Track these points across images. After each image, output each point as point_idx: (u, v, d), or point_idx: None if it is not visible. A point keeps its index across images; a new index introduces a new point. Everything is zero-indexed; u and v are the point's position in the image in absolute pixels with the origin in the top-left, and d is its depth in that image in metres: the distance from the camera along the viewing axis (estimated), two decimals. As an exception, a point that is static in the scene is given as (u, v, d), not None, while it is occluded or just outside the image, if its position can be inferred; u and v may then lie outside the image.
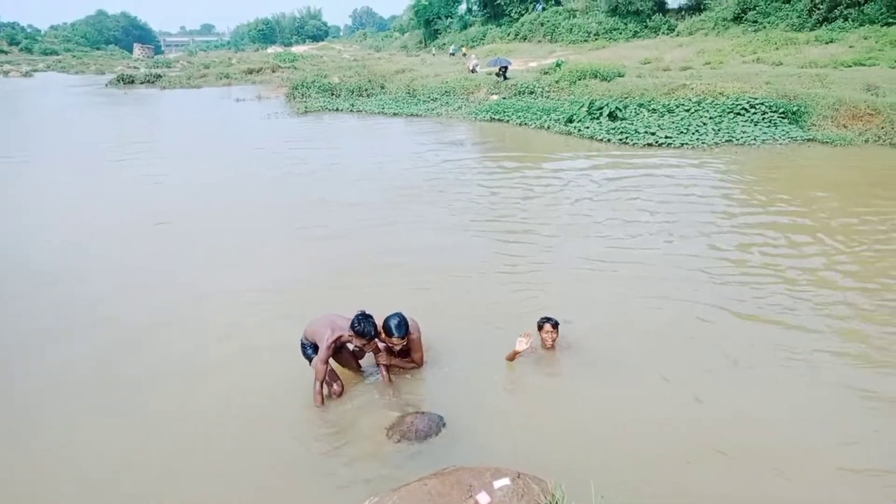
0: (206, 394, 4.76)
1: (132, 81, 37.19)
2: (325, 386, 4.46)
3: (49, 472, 3.97)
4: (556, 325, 4.99)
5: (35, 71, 55.08)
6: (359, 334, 4.25)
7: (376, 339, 4.42)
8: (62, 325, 5.92)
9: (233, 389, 4.78)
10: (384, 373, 4.67)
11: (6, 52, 77.34)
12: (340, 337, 4.35)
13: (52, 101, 29.20)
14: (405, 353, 4.81)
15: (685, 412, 4.34)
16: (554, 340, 5.00)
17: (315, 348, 4.44)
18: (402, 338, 4.47)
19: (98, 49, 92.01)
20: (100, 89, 35.45)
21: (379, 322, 4.45)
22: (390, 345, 4.55)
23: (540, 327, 5.02)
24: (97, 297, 6.54)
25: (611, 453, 3.93)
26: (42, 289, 6.79)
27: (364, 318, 4.25)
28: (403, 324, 4.47)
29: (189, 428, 4.35)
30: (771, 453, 3.89)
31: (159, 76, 38.70)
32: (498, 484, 3.19)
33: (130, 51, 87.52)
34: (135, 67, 51.15)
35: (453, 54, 42.80)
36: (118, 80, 37.42)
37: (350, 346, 4.71)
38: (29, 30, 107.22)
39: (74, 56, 75.53)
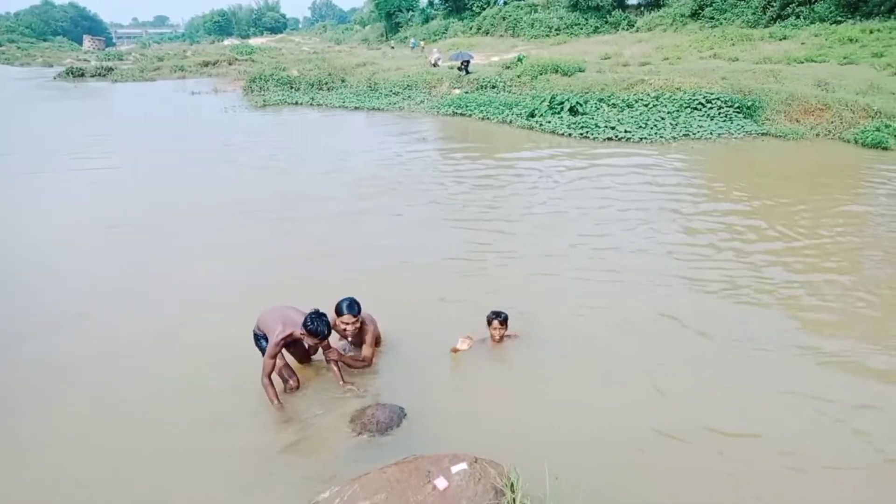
0: (162, 390, 4.65)
1: (82, 74, 35.90)
2: (281, 381, 4.39)
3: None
4: (504, 322, 5.00)
5: (-24, 63, 52.73)
6: (311, 333, 4.11)
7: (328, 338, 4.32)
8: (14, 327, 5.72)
9: (189, 386, 4.68)
10: (335, 370, 4.56)
11: (-56, 42, 73.85)
12: (292, 333, 4.21)
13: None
14: (357, 343, 4.74)
15: (639, 400, 4.40)
16: (502, 336, 5.03)
17: (267, 340, 4.30)
18: (355, 317, 4.47)
19: (45, 41, 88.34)
20: (48, 82, 34.18)
21: (332, 316, 4.44)
22: (342, 327, 4.50)
23: (489, 322, 5.04)
24: (49, 296, 6.36)
25: (565, 440, 3.98)
26: None
27: (318, 316, 4.12)
28: (355, 303, 4.50)
29: (145, 425, 4.25)
30: (727, 440, 3.97)
31: (111, 69, 37.42)
32: (455, 469, 3.26)
33: (80, 43, 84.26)
34: (85, 60, 49.30)
35: (413, 48, 42.65)
36: (67, 73, 36.07)
37: (309, 347, 4.59)
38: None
39: (19, 48, 72.40)
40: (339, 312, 4.48)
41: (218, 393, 4.55)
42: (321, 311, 4.19)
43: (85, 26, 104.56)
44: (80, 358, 5.14)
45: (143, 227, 8.48)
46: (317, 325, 4.09)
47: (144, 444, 4.05)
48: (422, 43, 44.15)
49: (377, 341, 4.81)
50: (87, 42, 78.84)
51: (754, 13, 28.98)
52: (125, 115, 21.49)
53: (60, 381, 4.81)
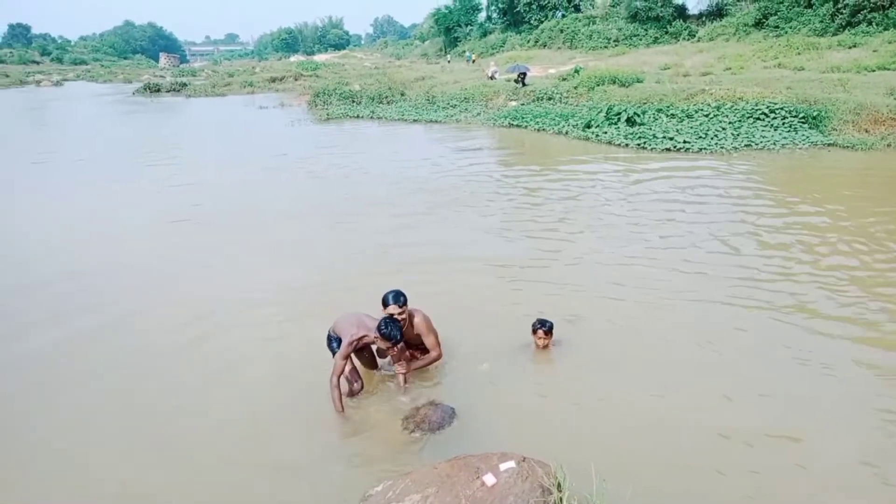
0: (224, 385, 4.94)
1: (158, 90, 38.09)
2: (346, 384, 4.55)
3: (63, 472, 4.16)
4: (549, 331, 5.09)
5: (65, 80, 56.64)
6: (384, 336, 4.31)
7: (401, 344, 4.50)
8: (78, 324, 6.14)
9: (251, 383, 4.96)
10: (400, 381, 4.67)
11: (38, 63, 79.70)
12: (365, 336, 4.43)
13: (83, 110, 29.98)
14: (416, 345, 4.88)
15: (691, 406, 4.42)
16: (546, 345, 5.12)
17: (340, 343, 4.51)
18: (401, 307, 4.53)
19: (125, 58, 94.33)
20: (127, 97, 36.36)
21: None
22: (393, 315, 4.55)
23: (534, 331, 5.14)
24: (114, 295, 6.80)
25: (613, 441, 4.05)
26: (61, 286, 7.09)
27: (391, 321, 4.34)
28: (401, 294, 4.57)
29: (204, 420, 4.52)
30: (783, 445, 3.96)
31: (185, 84, 39.57)
32: (504, 466, 3.34)
33: (157, 60, 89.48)
34: (161, 76, 52.28)
35: (469, 61, 43.48)
36: (145, 89, 38.38)
37: (374, 348, 4.82)
38: (59, 41, 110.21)
39: (103, 66, 77.55)
40: (385, 304, 4.55)
41: (275, 391, 4.79)
42: (395, 316, 4.45)
43: (161, 44, 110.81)
44: (156, 353, 5.47)
45: (220, 231, 8.99)
46: (390, 328, 4.29)
47: (197, 440, 4.30)
48: (474, 56, 45.06)
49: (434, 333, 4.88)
50: (163, 59, 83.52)
51: (822, 21, 28.04)
52: (200, 127, 22.68)
53: (147, 373, 5.18)
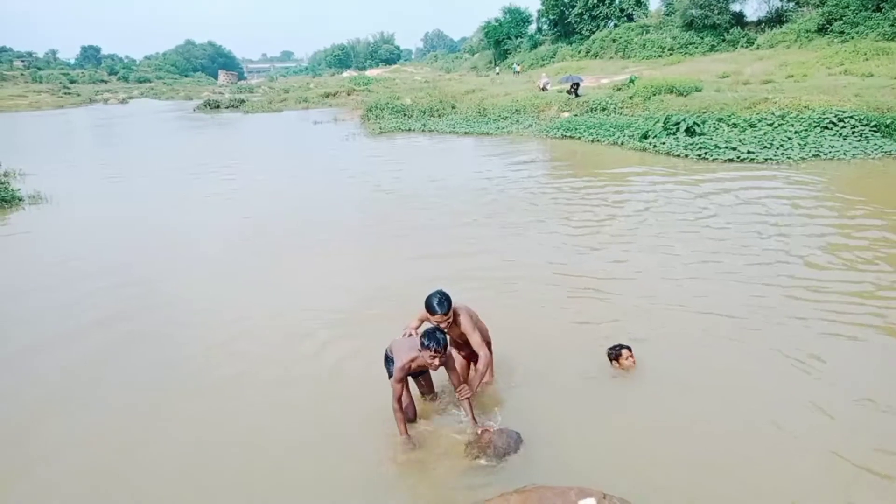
0: (282, 404, 4.88)
1: (218, 106, 39.40)
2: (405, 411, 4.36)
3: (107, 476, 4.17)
4: (630, 349, 5.01)
5: (130, 98, 59.38)
6: (425, 347, 4.03)
7: (449, 349, 4.23)
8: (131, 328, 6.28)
9: (311, 402, 4.89)
10: (466, 408, 4.32)
11: (106, 82, 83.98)
12: (415, 359, 4.18)
13: (148, 126, 31.26)
14: (462, 343, 4.61)
15: (777, 441, 4.13)
16: (632, 364, 4.99)
17: (394, 362, 4.35)
18: (445, 314, 4.24)
19: (186, 76, 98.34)
20: (189, 114, 37.74)
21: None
22: (435, 324, 4.25)
23: (617, 356, 5.01)
24: (175, 302, 6.94)
25: (696, 478, 3.78)
26: (120, 290, 7.32)
27: (433, 331, 4.10)
28: (445, 299, 4.25)
29: (264, 434, 4.47)
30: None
31: (243, 101, 40.86)
32: (583, 503, 3.15)
33: (216, 77, 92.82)
34: (220, 93, 54.16)
35: (516, 73, 43.53)
36: (205, 106, 39.77)
37: (429, 365, 4.38)
38: (126, 60, 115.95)
39: (165, 83, 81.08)
40: (429, 310, 4.27)
41: (337, 414, 4.67)
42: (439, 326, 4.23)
43: (220, 62, 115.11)
44: (207, 359, 5.47)
45: (282, 245, 9.09)
46: (429, 339, 4.01)
47: (253, 457, 4.23)
48: (519, 67, 45.57)
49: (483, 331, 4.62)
50: (222, 76, 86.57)
51: (892, 25, 26.68)
52: (259, 143, 23.29)
53: (182, 386, 5.16)
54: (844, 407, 4.40)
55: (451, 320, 4.35)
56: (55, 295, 7.35)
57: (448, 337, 4.18)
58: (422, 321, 4.55)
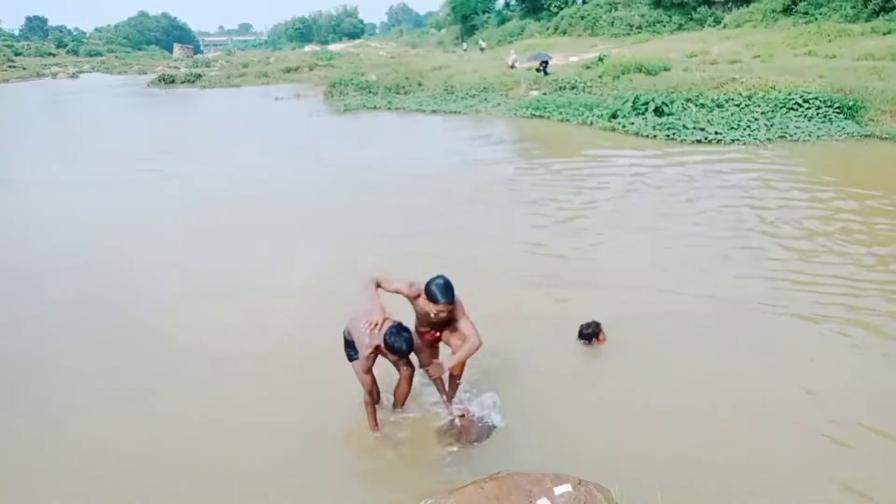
0: (247, 392, 4.70)
1: (173, 81, 37.88)
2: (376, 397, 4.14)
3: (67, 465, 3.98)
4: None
5: (81, 72, 56.66)
6: (389, 348, 3.74)
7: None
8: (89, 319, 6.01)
9: (281, 387, 4.72)
10: (439, 387, 4.14)
11: (54, 55, 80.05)
12: (379, 347, 3.81)
13: (100, 102, 29.99)
14: (445, 322, 4.04)
15: (757, 419, 4.10)
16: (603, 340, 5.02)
17: (353, 346, 3.99)
18: (449, 303, 3.74)
19: (140, 49, 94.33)
20: (142, 89, 36.25)
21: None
22: (432, 311, 3.79)
23: (597, 334, 4.96)
24: (132, 286, 6.64)
25: (675, 460, 3.73)
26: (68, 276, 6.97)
27: (397, 331, 3.71)
28: (450, 288, 3.73)
29: (231, 422, 4.31)
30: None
31: (199, 76, 39.32)
32: (559, 490, 3.07)
33: (171, 51, 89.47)
34: (175, 67, 52.17)
35: (482, 50, 43.04)
36: (159, 80, 38.19)
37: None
38: (75, 32, 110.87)
39: (118, 57, 77.69)
40: (431, 298, 3.71)
41: (304, 399, 4.51)
42: (403, 324, 3.82)
43: (175, 35, 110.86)
44: (171, 350, 5.26)
45: (246, 227, 8.72)
46: (394, 340, 3.70)
47: (224, 442, 4.10)
48: (483, 44, 44.78)
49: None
50: (178, 50, 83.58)
51: (854, 7, 27.09)
52: (219, 120, 22.56)
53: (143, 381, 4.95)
54: (829, 387, 4.43)
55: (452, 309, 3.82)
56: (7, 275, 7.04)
57: (413, 336, 3.84)
58: (397, 291, 3.89)
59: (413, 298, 3.88)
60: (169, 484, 3.79)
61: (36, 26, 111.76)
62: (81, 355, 5.34)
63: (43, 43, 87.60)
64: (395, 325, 3.76)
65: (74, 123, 22.55)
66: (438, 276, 3.78)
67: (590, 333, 5.00)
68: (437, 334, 4.10)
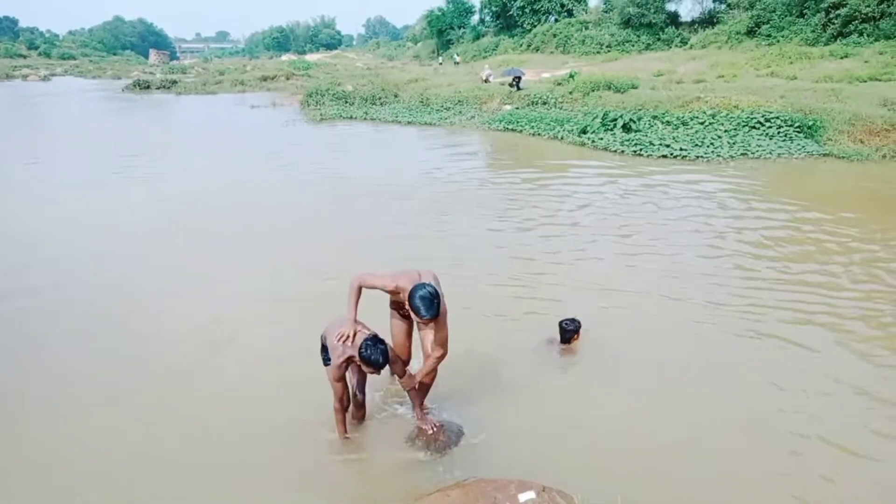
0: (216, 394, 4.73)
1: (148, 87, 37.54)
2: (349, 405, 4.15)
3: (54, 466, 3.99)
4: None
5: (53, 75, 55.75)
6: (364, 361, 3.66)
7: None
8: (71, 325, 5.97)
9: (247, 395, 4.74)
10: (412, 398, 4.17)
11: (25, 57, 78.39)
12: (351, 358, 3.78)
13: (72, 106, 29.52)
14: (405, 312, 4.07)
15: (722, 431, 4.25)
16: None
17: (328, 350, 3.99)
18: (434, 318, 3.63)
19: (114, 54, 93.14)
20: (117, 94, 35.81)
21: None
22: (415, 320, 3.78)
23: (577, 332, 5.14)
24: (109, 293, 6.61)
25: (640, 468, 3.85)
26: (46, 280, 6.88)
27: (373, 343, 3.66)
28: (436, 303, 3.58)
29: (197, 431, 4.33)
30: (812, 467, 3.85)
31: (175, 82, 39.03)
32: (523, 497, 3.17)
33: (146, 57, 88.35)
34: (150, 73, 51.56)
35: (456, 64, 44.08)
36: (134, 86, 37.79)
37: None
38: (47, 35, 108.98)
39: (91, 61, 76.53)
40: (414, 310, 3.60)
41: (272, 407, 4.53)
42: (378, 335, 3.79)
43: (151, 41, 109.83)
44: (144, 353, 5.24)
45: (219, 237, 8.69)
46: (370, 352, 3.63)
47: (190, 453, 4.10)
48: (458, 58, 46.33)
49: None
50: (153, 56, 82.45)
51: (814, 31, 28.17)
52: (195, 126, 22.34)
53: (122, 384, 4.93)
54: (796, 401, 4.57)
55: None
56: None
57: (389, 348, 3.78)
58: (380, 288, 3.85)
59: (394, 295, 3.92)
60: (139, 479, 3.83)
61: (6, 27, 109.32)
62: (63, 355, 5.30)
63: (13, 44, 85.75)
64: (370, 338, 3.69)
65: (43, 127, 22.18)
66: (424, 286, 3.59)
67: (573, 329, 5.14)
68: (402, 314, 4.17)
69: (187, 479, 3.89)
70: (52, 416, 4.55)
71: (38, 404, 4.70)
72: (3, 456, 4.14)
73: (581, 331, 5.22)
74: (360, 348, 3.66)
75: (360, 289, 3.82)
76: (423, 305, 3.55)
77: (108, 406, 4.66)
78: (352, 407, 4.22)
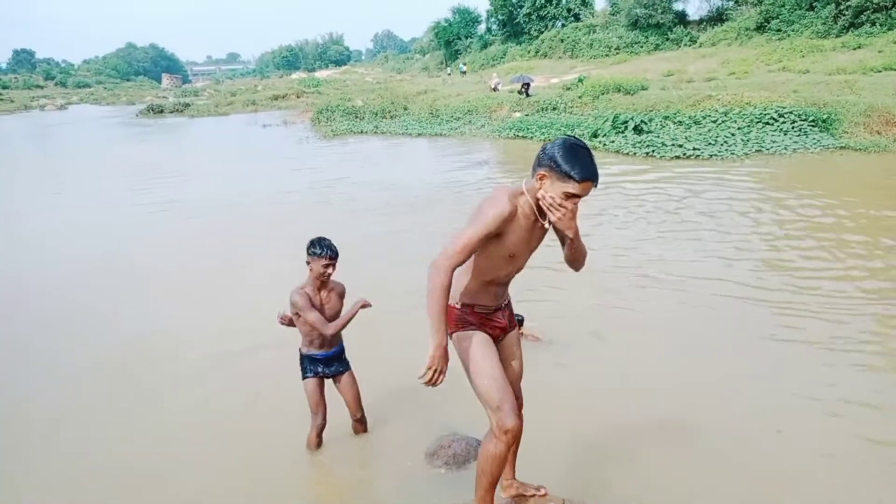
0: (215, 411, 4.69)
1: (161, 111, 38.14)
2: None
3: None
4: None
5: (69, 104, 56.80)
6: (315, 256, 3.65)
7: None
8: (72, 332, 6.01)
9: (261, 405, 4.71)
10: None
11: (42, 87, 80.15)
12: (305, 285, 3.75)
13: (89, 134, 30.02)
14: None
15: (743, 432, 4.16)
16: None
17: (307, 360, 4.00)
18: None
19: (128, 80, 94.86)
20: (131, 119, 36.39)
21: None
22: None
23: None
24: (111, 303, 6.67)
25: (671, 478, 3.76)
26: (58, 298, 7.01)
27: (316, 239, 3.72)
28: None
29: (206, 444, 4.31)
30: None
31: (188, 105, 39.61)
32: None
33: (159, 81, 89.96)
34: (164, 97, 52.46)
35: (463, 73, 44.46)
36: (148, 111, 38.43)
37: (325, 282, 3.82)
38: (63, 64, 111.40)
39: (106, 88, 78.01)
40: (565, 174, 2.53)
41: (287, 417, 4.43)
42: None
43: (164, 65, 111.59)
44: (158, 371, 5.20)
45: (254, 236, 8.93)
46: (318, 242, 3.69)
47: (189, 478, 4.01)
48: (466, 67, 46.99)
49: None
50: (166, 80, 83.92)
51: (824, 23, 27.87)
52: (208, 148, 22.58)
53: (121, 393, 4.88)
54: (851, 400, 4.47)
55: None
56: None
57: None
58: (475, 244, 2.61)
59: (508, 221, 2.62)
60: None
61: (23, 59, 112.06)
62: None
63: (31, 76, 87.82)
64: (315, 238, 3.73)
65: (63, 155, 22.55)
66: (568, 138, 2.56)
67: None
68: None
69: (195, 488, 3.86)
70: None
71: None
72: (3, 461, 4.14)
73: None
74: (309, 245, 3.69)
75: (450, 283, 2.50)
76: (579, 164, 2.48)
77: (120, 415, 4.63)
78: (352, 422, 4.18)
